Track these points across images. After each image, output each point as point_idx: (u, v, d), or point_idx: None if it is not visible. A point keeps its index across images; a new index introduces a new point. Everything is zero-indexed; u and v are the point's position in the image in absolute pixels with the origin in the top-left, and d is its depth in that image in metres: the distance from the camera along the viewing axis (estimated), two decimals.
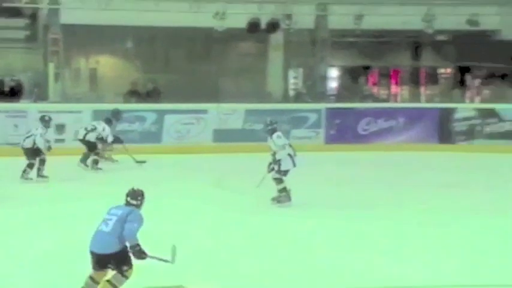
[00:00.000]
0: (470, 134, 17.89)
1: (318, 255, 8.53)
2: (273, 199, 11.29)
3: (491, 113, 17.86)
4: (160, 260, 6.80)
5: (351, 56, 21.94)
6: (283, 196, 11.25)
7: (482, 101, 20.72)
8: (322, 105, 18.39)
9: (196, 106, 17.62)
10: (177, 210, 10.74)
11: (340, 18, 19.12)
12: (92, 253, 6.74)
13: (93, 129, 14.55)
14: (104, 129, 14.57)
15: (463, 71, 22.24)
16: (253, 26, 18.80)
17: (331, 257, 8.47)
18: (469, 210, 11.15)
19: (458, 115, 18.17)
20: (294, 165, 11.23)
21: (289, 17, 18.95)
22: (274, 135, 11.37)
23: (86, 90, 20.36)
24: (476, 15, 18.85)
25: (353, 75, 22.62)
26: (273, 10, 19.01)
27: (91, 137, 14.49)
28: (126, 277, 6.77)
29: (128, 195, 6.95)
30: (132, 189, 7.03)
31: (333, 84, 22.13)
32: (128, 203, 6.92)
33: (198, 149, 16.69)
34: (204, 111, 17.67)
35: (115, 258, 6.70)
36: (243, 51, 21.42)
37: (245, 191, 12.10)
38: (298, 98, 20.91)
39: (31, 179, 13.04)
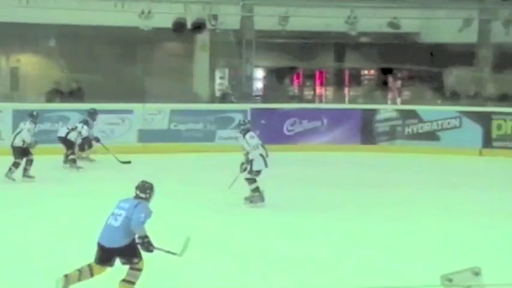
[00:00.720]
0: (391, 135, 18.10)
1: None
2: (246, 199, 11.16)
3: (412, 114, 18.08)
4: (168, 252, 6.81)
5: (277, 57, 22.00)
6: (256, 196, 11.13)
7: (403, 102, 21.08)
8: (248, 106, 18.32)
9: (121, 106, 17.40)
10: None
11: (265, 20, 19.10)
12: (100, 245, 6.78)
13: (74, 129, 14.70)
14: (83, 128, 14.76)
15: (385, 72, 22.60)
16: (179, 26, 18.54)
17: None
18: (391, 208, 11.29)
19: (380, 116, 18.36)
20: (266, 165, 11.16)
21: (215, 17, 18.79)
22: (247, 135, 11.30)
23: (7, 90, 19.78)
24: (397, 18, 19.08)
25: (278, 76, 22.71)
26: (198, 10, 18.83)
27: (72, 136, 14.61)
28: (139, 270, 6.80)
29: (137, 188, 6.95)
30: (142, 182, 7.02)
31: (258, 85, 22.13)
32: (137, 196, 6.92)
33: (123, 149, 16.35)
34: (129, 111, 17.41)
35: (124, 253, 6.75)
36: (169, 51, 21.20)
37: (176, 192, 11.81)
38: (224, 98, 20.81)
39: (13, 179, 12.81)
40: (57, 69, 20.24)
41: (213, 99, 20.82)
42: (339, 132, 18.15)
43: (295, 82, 23.25)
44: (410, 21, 19.69)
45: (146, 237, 6.71)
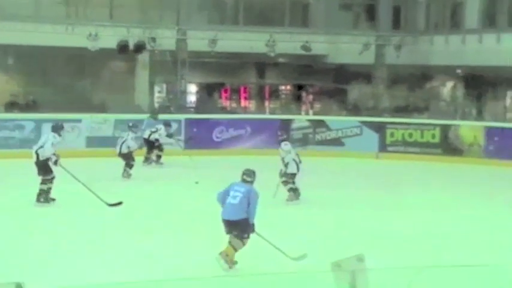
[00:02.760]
0: (304, 141, 18.24)
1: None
2: (286, 199, 11.41)
3: (321, 124, 18.32)
4: (280, 250, 7.57)
5: (207, 74, 22.07)
6: (291, 195, 11.37)
7: (314, 113, 21.37)
8: (182, 116, 18.29)
9: (71, 116, 17.10)
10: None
11: (197, 42, 19.14)
12: (224, 220, 7.51)
13: (156, 131, 15.46)
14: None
15: (299, 88, 22.91)
16: (123, 47, 18.45)
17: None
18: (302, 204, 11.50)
19: (295, 125, 18.51)
20: (298, 170, 11.41)
21: (153, 39, 18.77)
22: (282, 144, 11.78)
23: None
24: (308, 42, 19.40)
25: (209, 91, 22.79)
26: (139, 33, 18.80)
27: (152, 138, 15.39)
28: (243, 243, 7.48)
29: (244, 173, 7.75)
30: (247, 169, 7.82)
31: (192, 98, 22.14)
32: (244, 180, 7.69)
33: (72, 154, 16.15)
34: (78, 121, 17.17)
35: (239, 225, 7.44)
36: (113, 69, 21.03)
37: (117, 191, 11.76)
38: (162, 109, 20.72)
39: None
40: (15, 84, 19.83)
41: (152, 110, 20.70)
42: (260, 139, 18.21)
43: (223, 96, 23.36)
44: (320, 45, 20.03)
45: (253, 224, 7.50)
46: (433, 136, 17.52)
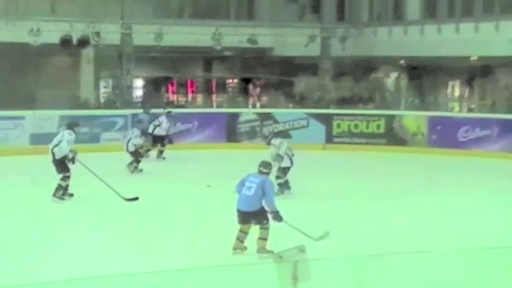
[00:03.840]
0: (252, 134, 18.29)
1: None
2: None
3: (268, 117, 18.37)
4: (304, 233, 7.64)
5: (154, 68, 21.87)
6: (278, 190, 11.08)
7: (261, 106, 21.42)
8: (129, 111, 18.08)
9: (14, 113, 16.76)
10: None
11: (142, 36, 18.93)
12: (239, 211, 7.79)
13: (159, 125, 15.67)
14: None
15: (246, 81, 22.93)
16: (66, 42, 18.10)
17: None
18: None
19: (242, 118, 18.52)
20: (292, 163, 11.50)
21: (97, 34, 18.48)
22: (272, 140, 11.89)
23: None
24: (254, 36, 19.42)
25: (155, 85, 22.58)
26: (83, 28, 18.49)
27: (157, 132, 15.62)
28: (267, 228, 7.74)
29: (260, 165, 8.04)
30: (263, 161, 8.20)
31: (138, 93, 21.92)
32: (260, 172, 7.95)
33: (16, 151, 15.86)
34: (22, 118, 16.82)
35: (257, 215, 7.71)
36: (57, 64, 20.61)
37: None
38: (108, 104, 20.46)
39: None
40: None
41: (98, 106, 20.44)
42: (207, 132, 18.21)
43: (170, 90, 23.20)
44: (266, 38, 20.04)
45: (277, 211, 7.66)
46: (378, 127, 17.80)
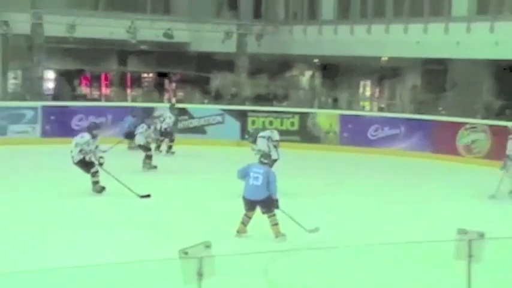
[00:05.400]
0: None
1: None
2: None
3: (184, 112, 18.18)
4: (297, 223, 8.54)
5: (66, 60, 21.30)
6: None
7: (177, 101, 21.22)
8: (39, 103, 17.54)
9: None
10: None
11: (54, 27, 18.38)
12: (246, 199, 8.58)
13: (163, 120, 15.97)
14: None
15: (162, 76, 22.69)
16: None
17: None
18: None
19: (157, 113, 18.25)
20: (278, 156, 12.01)
21: (6, 23, 17.82)
22: (258, 136, 12.47)
23: None
24: (171, 30, 19.25)
25: (68, 78, 21.97)
26: None
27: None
28: (275, 214, 8.53)
29: (261, 156, 8.93)
30: (264, 152, 9.47)
31: (50, 85, 21.26)
32: (261, 162, 8.76)
33: None
34: None
35: (264, 203, 8.50)
36: None
37: None
38: (17, 96, 19.73)
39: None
40: None
41: (5, 97, 19.65)
42: (119, 129, 17.80)
43: (83, 83, 22.65)
44: (182, 33, 19.92)
45: (277, 200, 8.55)
46: (292, 124, 17.99)
